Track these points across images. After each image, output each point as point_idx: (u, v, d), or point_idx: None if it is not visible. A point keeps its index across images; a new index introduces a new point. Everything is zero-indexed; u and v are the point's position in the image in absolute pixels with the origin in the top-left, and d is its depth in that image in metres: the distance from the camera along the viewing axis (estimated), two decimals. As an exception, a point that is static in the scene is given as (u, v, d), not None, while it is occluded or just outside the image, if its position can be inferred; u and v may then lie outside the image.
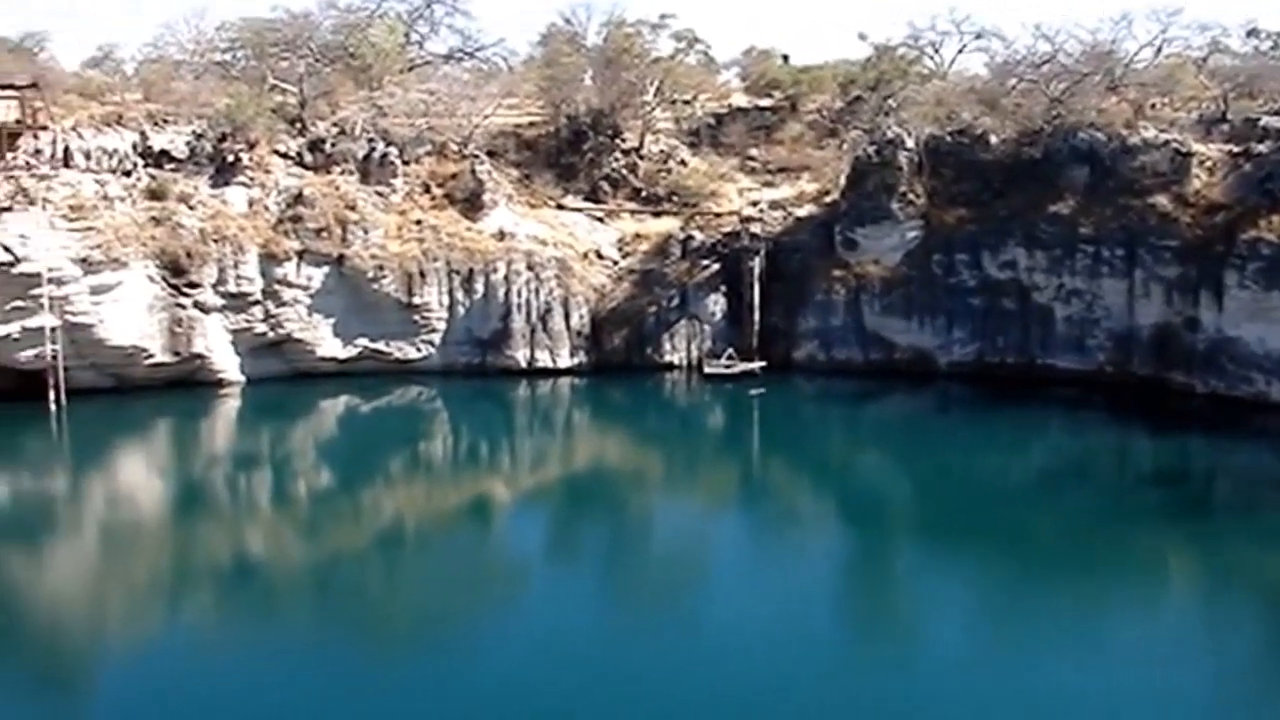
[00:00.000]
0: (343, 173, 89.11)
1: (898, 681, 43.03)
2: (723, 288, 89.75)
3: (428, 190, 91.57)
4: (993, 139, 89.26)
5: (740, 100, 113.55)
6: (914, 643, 47.29)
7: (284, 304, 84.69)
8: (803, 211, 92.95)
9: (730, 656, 44.80)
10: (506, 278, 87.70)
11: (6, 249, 75.88)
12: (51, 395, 77.83)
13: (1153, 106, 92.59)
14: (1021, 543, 57.91)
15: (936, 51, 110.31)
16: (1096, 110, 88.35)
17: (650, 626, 48.28)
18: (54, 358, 77.58)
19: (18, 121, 78.45)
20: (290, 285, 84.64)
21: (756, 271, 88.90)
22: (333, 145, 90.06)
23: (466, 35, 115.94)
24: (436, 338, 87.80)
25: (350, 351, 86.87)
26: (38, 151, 79.32)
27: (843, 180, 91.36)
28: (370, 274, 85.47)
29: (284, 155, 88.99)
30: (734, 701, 41.34)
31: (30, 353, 77.83)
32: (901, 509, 64.98)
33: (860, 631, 49.23)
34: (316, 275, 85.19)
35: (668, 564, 56.75)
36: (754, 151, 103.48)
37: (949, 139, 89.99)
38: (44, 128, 79.71)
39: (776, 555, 58.17)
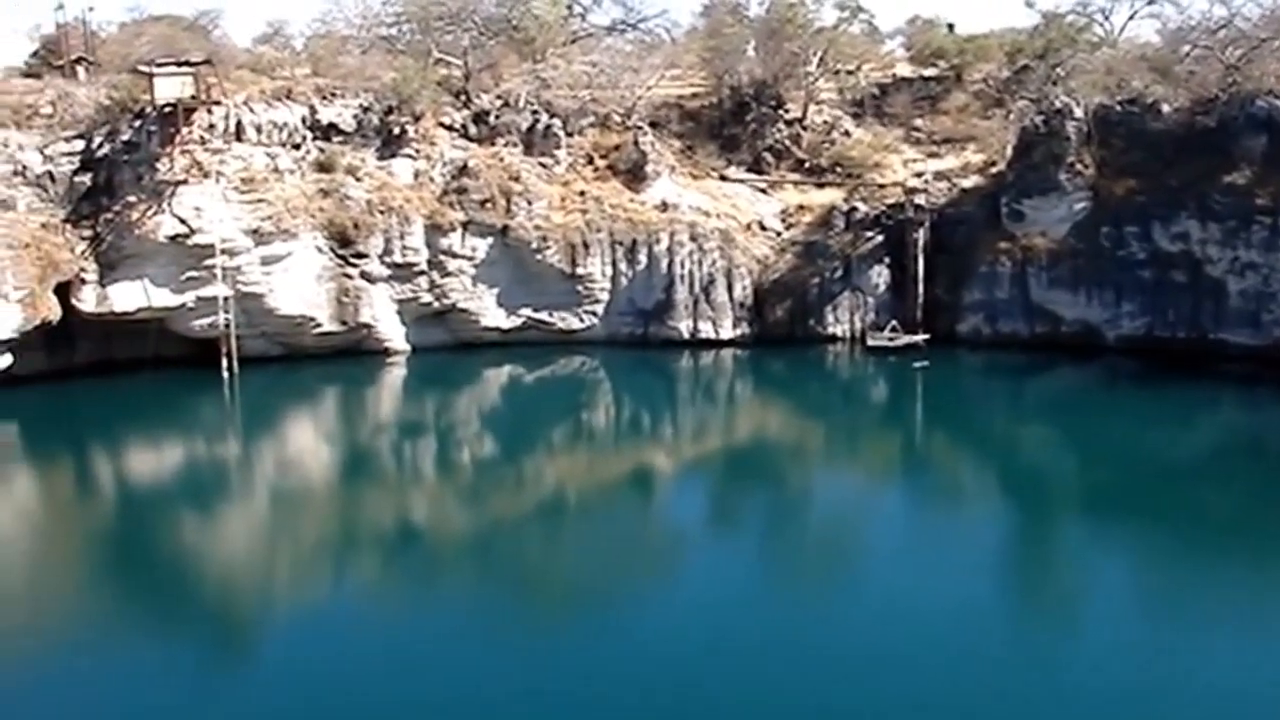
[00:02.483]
0: (507, 144, 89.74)
1: (1060, 665, 42.27)
2: (886, 260, 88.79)
3: (591, 161, 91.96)
4: (1165, 108, 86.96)
5: (905, 70, 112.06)
6: (1077, 624, 46.37)
7: (449, 274, 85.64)
8: (968, 183, 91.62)
9: (888, 632, 44.41)
10: (669, 249, 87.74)
11: (182, 221, 77.88)
12: (224, 363, 79.96)
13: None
14: (1192, 524, 56.35)
15: (1106, 18, 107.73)
16: (1276, 77, 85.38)
17: (808, 599, 47.98)
18: (227, 326, 79.59)
19: (193, 97, 79.99)
20: (455, 256, 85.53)
21: (921, 243, 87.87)
22: (497, 117, 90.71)
23: (629, 7, 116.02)
24: (599, 308, 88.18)
25: (514, 321, 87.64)
26: (211, 126, 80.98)
27: (1009, 151, 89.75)
28: (534, 245, 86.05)
29: (449, 127, 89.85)
30: (892, 678, 41.05)
31: (204, 321, 79.96)
32: (1067, 486, 63.78)
33: (1024, 612, 48.33)
34: (481, 246, 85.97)
35: (828, 537, 56.43)
36: (919, 122, 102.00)
37: (1119, 108, 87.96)
38: (217, 103, 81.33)
39: (939, 531, 57.45)
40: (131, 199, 78.29)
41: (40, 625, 46.49)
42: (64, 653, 43.67)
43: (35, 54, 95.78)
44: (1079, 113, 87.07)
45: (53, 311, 75.83)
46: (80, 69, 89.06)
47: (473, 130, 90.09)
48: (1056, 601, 48.82)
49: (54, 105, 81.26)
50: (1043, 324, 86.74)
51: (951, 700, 39.63)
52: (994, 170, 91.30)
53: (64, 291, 76.73)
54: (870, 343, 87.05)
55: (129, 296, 78.25)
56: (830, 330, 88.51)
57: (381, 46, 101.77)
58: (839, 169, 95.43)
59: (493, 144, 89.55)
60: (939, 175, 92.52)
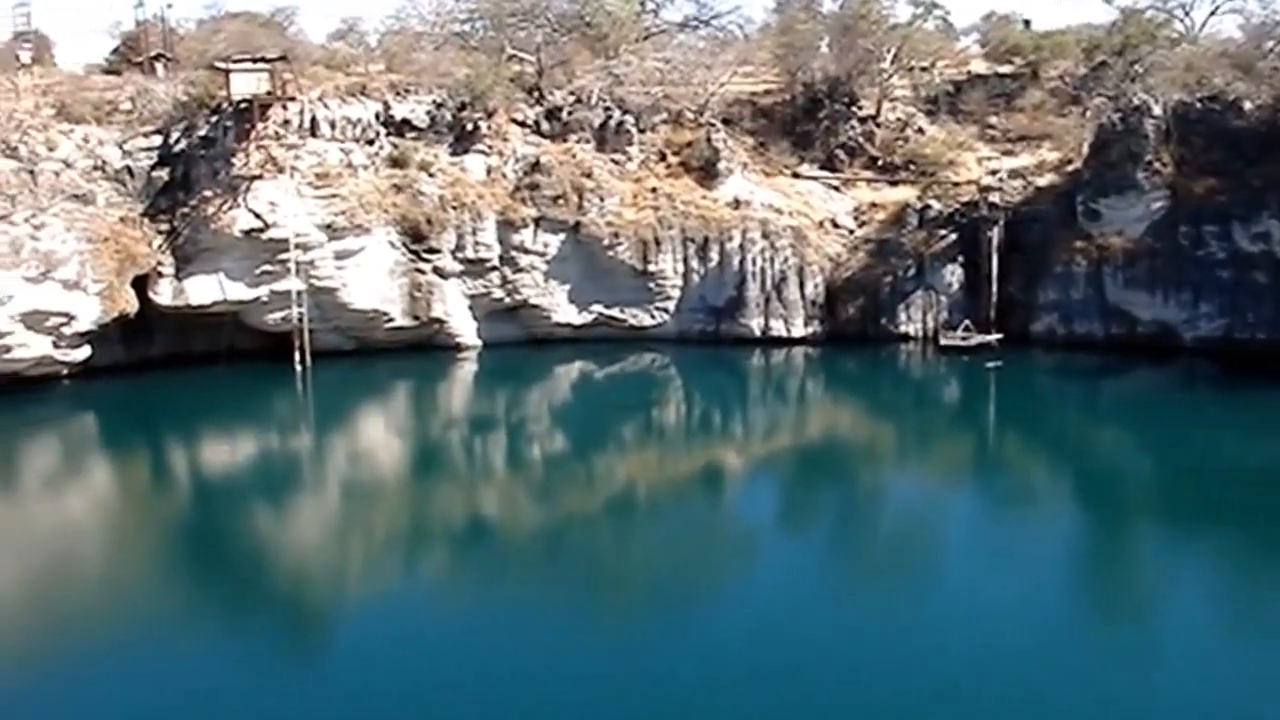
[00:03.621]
0: (579, 141, 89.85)
1: (1132, 672, 41.69)
2: (960, 258, 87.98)
3: (663, 158, 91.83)
4: (1246, 105, 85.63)
5: (979, 67, 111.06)
6: (1151, 633, 45.59)
7: (521, 270, 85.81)
8: (1043, 181, 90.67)
9: (959, 636, 43.90)
10: (741, 246, 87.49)
11: (257, 215, 78.49)
12: (297, 357, 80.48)
13: None
14: (1272, 532, 55.52)
15: (1187, 14, 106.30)
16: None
17: (877, 600, 47.51)
18: (300, 320, 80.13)
19: (268, 93, 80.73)
20: (527, 252, 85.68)
21: (995, 242, 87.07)
22: (569, 113, 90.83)
23: (702, 3, 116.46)
24: (671, 305, 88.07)
25: (585, 318, 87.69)
26: (286, 122, 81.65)
27: (1085, 149, 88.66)
28: (606, 241, 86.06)
29: (521, 124, 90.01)
30: (960, 680, 40.61)
31: (278, 315, 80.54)
32: (1142, 490, 62.76)
33: (1097, 619, 47.43)
34: (553, 242, 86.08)
35: (899, 538, 55.92)
36: (993, 119, 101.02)
37: (1199, 105, 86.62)
38: (292, 99, 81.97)
39: (1009, 534, 56.73)
40: (207, 194, 79.18)
41: (117, 612, 46.95)
42: (139, 638, 44.16)
43: (115, 51, 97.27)
44: (1157, 110, 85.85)
45: (130, 304, 76.83)
46: (159, 65, 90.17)
47: (545, 126, 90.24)
48: (1131, 609, 48.02)
49: (133, 101, 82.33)
50: (1118, 325, 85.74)
51: (1027, 703, 39.24)
52: (1070, 168, 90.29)
53: (141, 285, 77.73)
54: (943, 342, 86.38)
55: (204, 290, 78.99)
56: (903, 329, 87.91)
57: (455, 43, 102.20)
58: (912, 166, 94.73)
59: (565, 140, 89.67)
60: (1014, 173, 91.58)
